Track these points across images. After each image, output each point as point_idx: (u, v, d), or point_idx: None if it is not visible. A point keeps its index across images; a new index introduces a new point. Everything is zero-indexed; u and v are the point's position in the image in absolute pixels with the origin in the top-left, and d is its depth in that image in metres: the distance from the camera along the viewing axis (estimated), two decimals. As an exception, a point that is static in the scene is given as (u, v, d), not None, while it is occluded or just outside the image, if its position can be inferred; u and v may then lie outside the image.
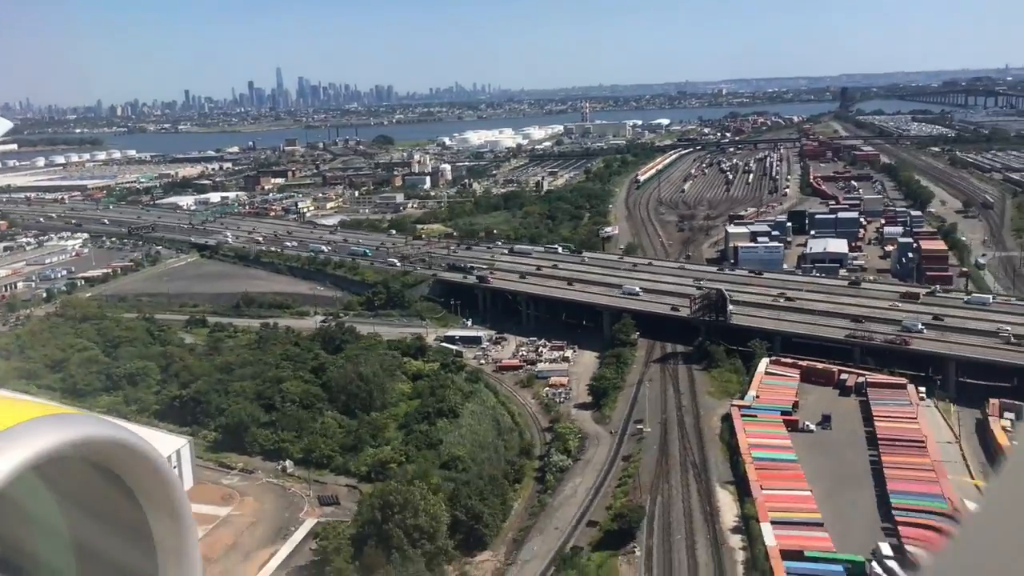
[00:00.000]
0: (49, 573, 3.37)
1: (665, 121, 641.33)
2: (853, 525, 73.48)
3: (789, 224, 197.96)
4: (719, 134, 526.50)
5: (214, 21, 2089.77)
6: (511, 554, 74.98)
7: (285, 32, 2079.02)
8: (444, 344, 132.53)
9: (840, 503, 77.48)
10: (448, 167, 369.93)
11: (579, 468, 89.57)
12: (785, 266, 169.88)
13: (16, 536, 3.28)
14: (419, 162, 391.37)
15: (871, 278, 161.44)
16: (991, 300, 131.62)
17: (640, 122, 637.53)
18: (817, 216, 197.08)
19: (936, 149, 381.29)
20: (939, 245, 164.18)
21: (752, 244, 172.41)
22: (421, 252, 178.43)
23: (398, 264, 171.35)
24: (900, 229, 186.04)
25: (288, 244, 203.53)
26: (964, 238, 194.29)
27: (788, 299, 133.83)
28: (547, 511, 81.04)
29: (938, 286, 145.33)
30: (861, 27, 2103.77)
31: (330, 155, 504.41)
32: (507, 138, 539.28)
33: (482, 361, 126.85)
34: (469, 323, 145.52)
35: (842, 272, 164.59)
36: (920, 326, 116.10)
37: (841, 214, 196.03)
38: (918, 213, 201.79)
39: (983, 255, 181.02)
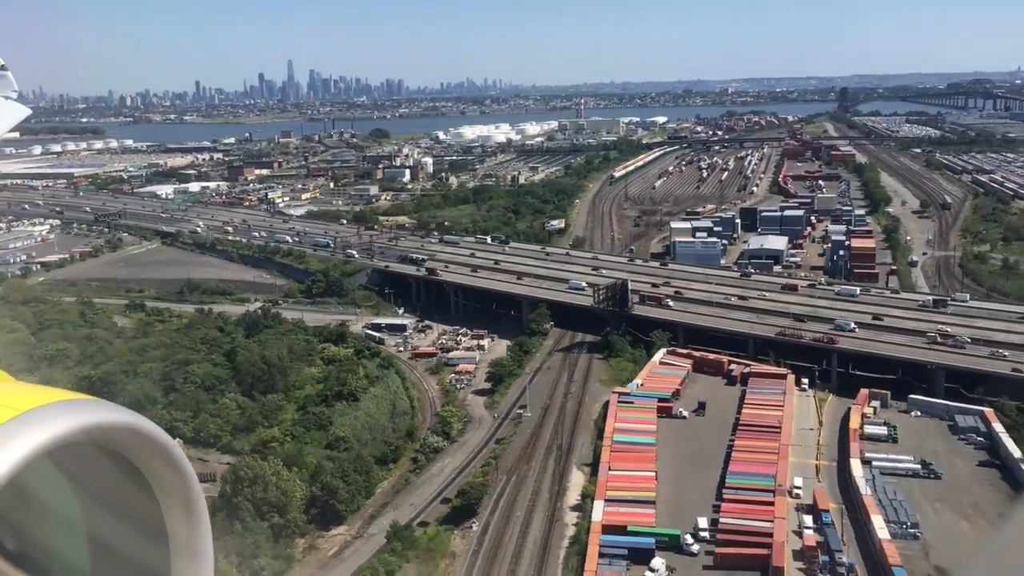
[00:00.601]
0: (62, 556, 3.39)
1: (662, 119, 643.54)
2: (689, 502, 76.97)
3: (738, 221, 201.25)
4: (711, 132, 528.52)
5: (227, 13, 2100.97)
6: (363, 528, 78.72)
7: (298, 25, 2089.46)
8: (368, 331, 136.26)
9: (686, 482, 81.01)
10: (430, 161, 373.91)
11: (453, 449, 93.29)
12: (723, 261, 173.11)
13: (31, 520, 3.30)
14: (402, 155, 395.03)
15: (802, 274, 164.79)
16: (858, 292, 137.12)
17: (637, 119, 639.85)
18: (764, 214, 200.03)
19: (918, 150, 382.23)
20: (868, 244, 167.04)
21: (690, 240, 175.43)
22: (363, 242, 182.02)
23: (356, 255, 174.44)
24: (842, 228, 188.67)
25: (255, 234, 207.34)
26: (909, 238, 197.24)
27: (676, 292, 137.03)
28: (409, 489, 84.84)
29: (860, 283, 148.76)
30: (876, 28, 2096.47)
31: (323, 147, 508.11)
32: (501, 133, 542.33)
33: (400, 348, 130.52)
34: (401, 311, 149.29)
35: (776, 268, 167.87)
36: (852, 325, 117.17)
37: (787, 212, 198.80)
38: (862, 212, 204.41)
39: (924, 253, 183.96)
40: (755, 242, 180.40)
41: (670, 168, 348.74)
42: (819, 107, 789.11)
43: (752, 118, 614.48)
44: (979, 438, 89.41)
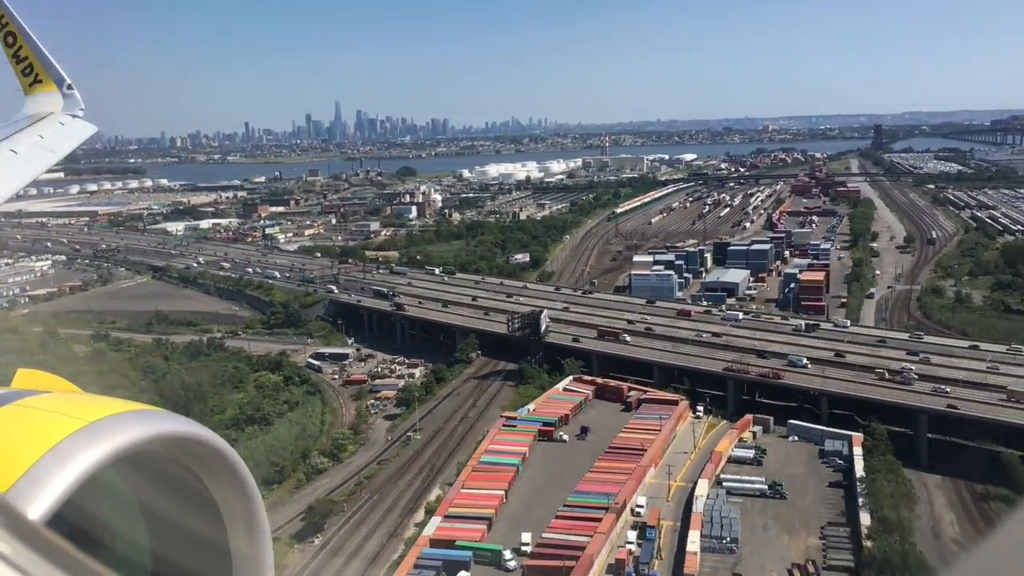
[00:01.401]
0: (126, 568, 3.35)
1: (690, 156, 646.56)
2: (530, 520, 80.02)
3: (708, 255, 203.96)
4: (733, 169, 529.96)
5: (277, 55, 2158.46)
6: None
7: (346, 67, 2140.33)
8: (311, 360, 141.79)
9: (537, 502, 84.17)
10: (439, 198, 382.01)
11: (336, 470, 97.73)
12: (680, 294, 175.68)
13: (96, 531, 3.26)
14: (414, 192, 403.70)
15: (754, 306, 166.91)
16: (740, 317, 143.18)
17: (666, 156, 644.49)
18: (731, 248, 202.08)
19: (931, 186, 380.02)
20: (816, 277, 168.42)
21: (646, 273, 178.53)
22: (327, 276, 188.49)
23: (335, 290, 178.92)
24: (806, 262, 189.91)
25: (249, 269, 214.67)
26: (879, 272, 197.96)
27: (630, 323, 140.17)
28: (280, 506, 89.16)
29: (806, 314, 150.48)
30: (929, 65, 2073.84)
31: (348, 185, 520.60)
32: (524, 171, 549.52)
33: (335, 376, 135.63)
34: (351, 341, 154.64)
35: (729, 300, 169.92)
36: (805, 360, 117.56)
37: (754, 247, 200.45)
38: (828, 247, 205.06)
39: (888, 287, 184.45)
40: (714, 275, 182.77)
41: (674, 204, 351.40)
42: (856, 144, 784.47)
43: (779, 155, 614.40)
44: (840, 461, 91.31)
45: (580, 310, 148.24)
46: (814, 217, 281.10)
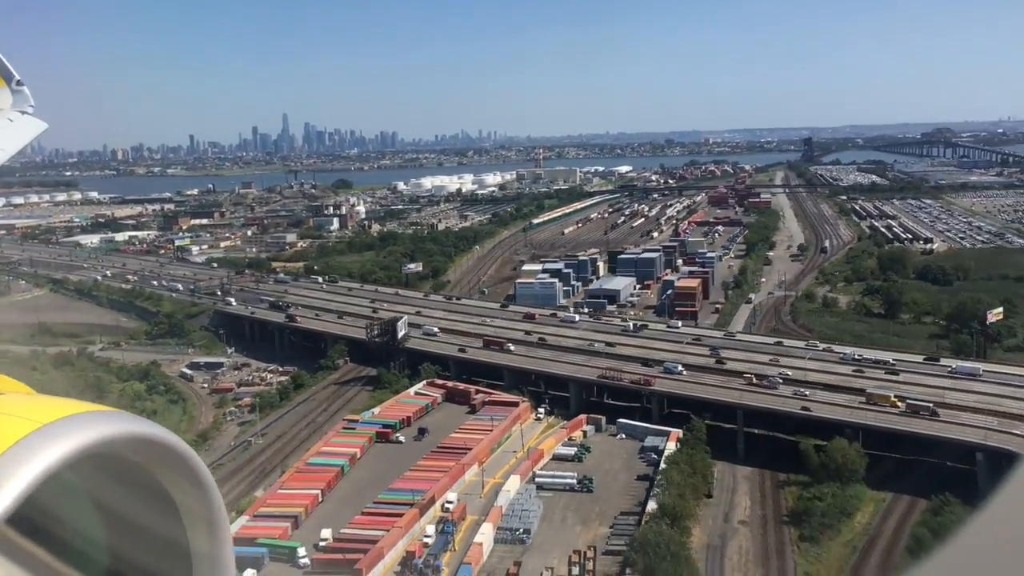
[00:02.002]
0: (82, 571, 3.32)
1: (625, 168, 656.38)
2: (342, 517, 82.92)
3: (601, 263, 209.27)
4: (663, 181, 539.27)
5: (225, 68, 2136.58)
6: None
7: (294, 79, 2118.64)
8: (184, 369, 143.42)
9: (356, 500, 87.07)
10: (362, 210, 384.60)
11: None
12: (564, 301, 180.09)
13: (51, 534, 3.24)
14: (339, 205, 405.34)
15: (631, 312, 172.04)
16: (576, 319, 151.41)
17: (603, 168, 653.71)
18: (621, 257, 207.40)
19: (844, 197, 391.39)
20: (690, 284, 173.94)
21: (530, 281, 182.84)
22: (210, 286, 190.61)
23: (233, 302, 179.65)
24: (704, 269, 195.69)
25: (154, 281, 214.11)
26: (764, 279, 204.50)
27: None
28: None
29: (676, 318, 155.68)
30: (872, 80, 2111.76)
31: (280, 197, 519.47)
32: (459, 183, 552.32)
33: (204, 385, 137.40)
34: (231, 351, 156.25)
35: (609, 307, 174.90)
36: (680, 368, 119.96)
37: (644, 255, 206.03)
38: (713, 255, 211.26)
39: (769, 293, 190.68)
40: (600, 283, 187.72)
41: (593, 215, 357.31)
42: (790, 156, 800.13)
43: (709, 167, 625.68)
44: (655, 456, 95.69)
45: (436, 315, 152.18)
46: (720, 227, 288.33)
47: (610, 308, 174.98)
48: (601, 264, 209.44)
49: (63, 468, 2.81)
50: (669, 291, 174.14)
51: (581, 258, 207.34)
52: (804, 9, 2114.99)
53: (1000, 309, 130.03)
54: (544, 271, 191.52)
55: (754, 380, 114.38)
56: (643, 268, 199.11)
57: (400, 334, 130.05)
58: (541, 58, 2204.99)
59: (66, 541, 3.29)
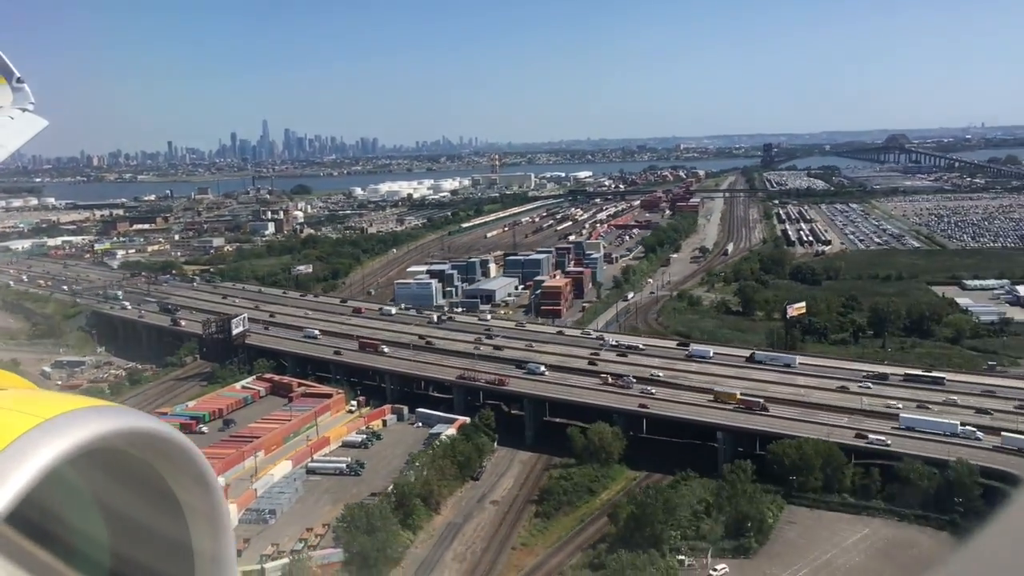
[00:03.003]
0: (84, 566, 3.28)
1: (584, 173, 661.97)
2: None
3: (492, 265, 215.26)
4: (615, 185, 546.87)
5: (205, 74, 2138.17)
6: None
7: (275, 85, 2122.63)
8: (46, 368, 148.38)
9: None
10: (300, 214, 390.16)
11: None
12: (441, 301, 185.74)
13: (53, 529, 3.22)
14: (286, 210, 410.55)
15: (502, 312, 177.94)
16: (393, 312, 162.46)
17: (563, 174, 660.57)
18: (509, 258, 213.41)
19: (776, 201, 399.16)
20: (556, 284, 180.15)
21: (407, 282, 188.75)
22: (97, 287, 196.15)
23: (128, 305, 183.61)
24: (580, 269, 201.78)
25: (64, 287, 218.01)
26: (651, 279, 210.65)
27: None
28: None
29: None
30: (852, 87, 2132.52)
31: (233, 203, 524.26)
32: (411, 188, 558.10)
33: (59, 382, 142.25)
34: (101, 350, 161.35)
35: (482, 307, 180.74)
36: (542, 368, 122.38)
37: (532, 257, 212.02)
38: (598, 255, 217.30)
39: (651, 292, 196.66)
40: (480, 284, 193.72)
41: (524, 219, 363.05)
42: (754, 162, 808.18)
43: (664, 173, 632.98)
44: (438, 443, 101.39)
45: (298, 312, 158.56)
46: (636, 230, 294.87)
47: (483, 307, 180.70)
48: (493, 266, 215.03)
49: (65, 464, 2.79)
50: (538, 290, 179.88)
51: (470, 260, 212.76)
52: (786, 19, 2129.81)
53: (802, 304, 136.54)
54: (428, 272, 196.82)
55: (610, 380, 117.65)
56: (529, 269, 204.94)
57: (236, 331, 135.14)
58: (524, 65, 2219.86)
59: (68, 537, 3.27)
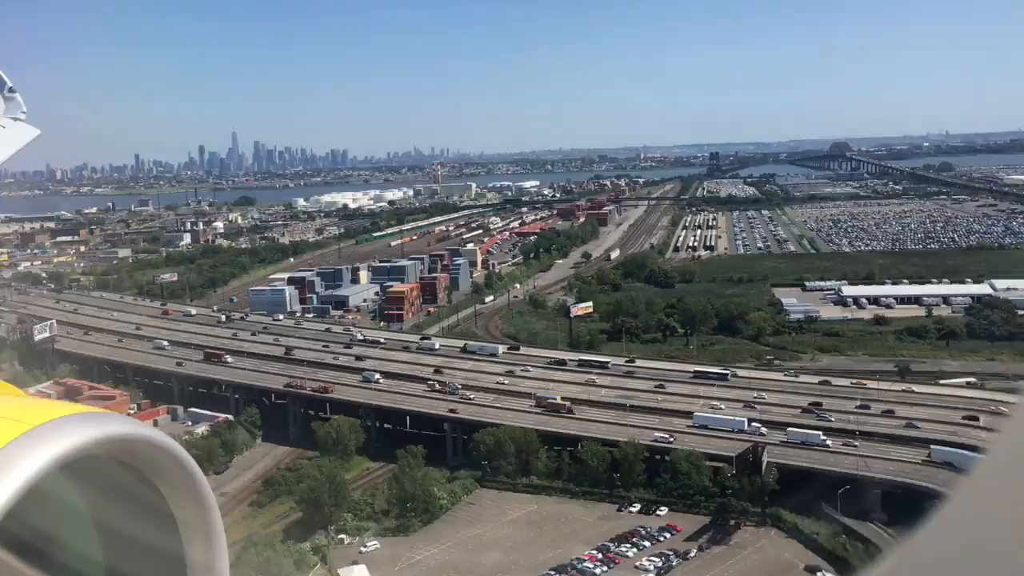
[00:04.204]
0: (78, 567, 3.25)
1: (531, 183, 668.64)
2: None
3: (364, 272, 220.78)
4: (553, 195, 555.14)
5: (172, 86, 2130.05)
6: None
7: (246, 97, 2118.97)
8: None
9: None
10: (220, 225, 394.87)
11: None
12: (296, 308, 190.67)
13: (44, 536, 3.17)
14: (220, 221, 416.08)
15: (351, 317, 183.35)
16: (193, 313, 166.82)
17: (510, 184, 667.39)
18: (373, 265, 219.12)
19: (694, 209, 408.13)
20: (400, 289, 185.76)
21: (262, 288, 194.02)
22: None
23: None
24: (435, 275, 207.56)
25: None
26: (518, 286, 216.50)
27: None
28: None
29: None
30: (819, 97, 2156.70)
31: (173, 215, 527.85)
32: (354, 199, 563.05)
33: None
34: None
35: (334, 312, 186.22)
36: (377, 376, 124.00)
37: (399, 263, 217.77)
38: (461, 261, 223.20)
39: (515, 297, 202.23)
40: (340, 290, 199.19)
41: (438, 229, 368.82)
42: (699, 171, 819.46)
43: (603, 182, 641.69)
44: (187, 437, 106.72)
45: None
46: (532, 236, 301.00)
47: (335, 312, 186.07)
48: (364, 273, 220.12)
49: (54, 471, 2.75)
50: (385, 295, 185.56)
51: (337, 268, 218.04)
52: (758, 26, 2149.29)
53: (588, 304, 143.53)
54: (289, 279, 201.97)
55: (437, 386, 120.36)
56: (395, 275, 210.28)
57: (39, 336, 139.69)
58: (497, 76, 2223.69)
59: (58, 545, 3.22)
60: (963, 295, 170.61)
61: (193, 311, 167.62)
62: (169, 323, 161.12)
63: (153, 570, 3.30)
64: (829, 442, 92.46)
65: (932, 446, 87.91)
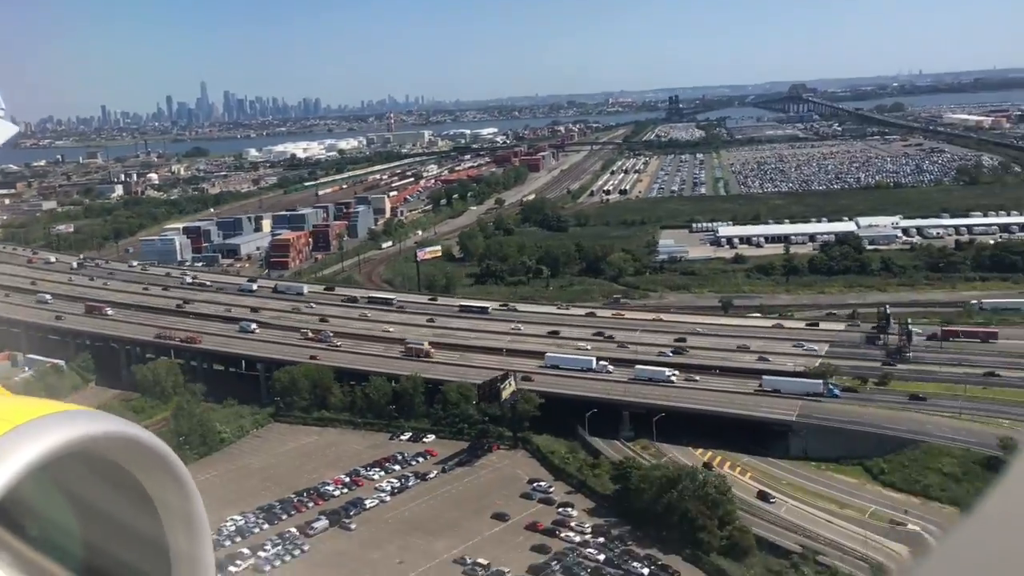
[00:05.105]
0: (60, 570, 3.22)
1: (489, 131, 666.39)
2: None
3: (267, 220, 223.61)
4: (505, 141, 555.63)
5: (141, 35, 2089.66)
6: None
7: (215, 46, 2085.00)
8: None
9: None
10: (155, 177, 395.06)
11: None
12: (187, 256, 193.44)
13: (28, 534, 3.17)
14: (161, 173, 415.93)
15: (243, 265, 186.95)
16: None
17: (467, 131, 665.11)
18: (276, 215, 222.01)
19: (634, 152, 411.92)
20: (286, 237, 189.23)
21: (152, 238, 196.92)
22: None
23: None
24: (328, 223, 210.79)
25: None
26: (420, 232, 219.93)
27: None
28: None
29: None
30: (802, 36, 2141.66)
31: (121, 167, 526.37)
32: (304, 149, 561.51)
33: None
34: None
35: (223, 260, 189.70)
36: (253, 326, 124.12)
37: (302, 211, 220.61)
38: (361, 208, 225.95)
39: (414, 243, 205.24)
40: (235, 239, 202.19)
41: (371, 178, 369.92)
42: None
43: (556, 128, 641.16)
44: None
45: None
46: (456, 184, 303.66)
47: (225, 261, 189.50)
48: (267, 221, 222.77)
49: (38, 469, 2.76)
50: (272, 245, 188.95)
51: (237, 217, 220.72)
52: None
53: (436, 248, 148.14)
54: (184, 229, 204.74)
55: (310, 334, 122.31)
56: (296, 223, 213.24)
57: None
58: (475, 21, 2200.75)
59: (43, 543, 3.23)
60: (829, 233, 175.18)
61: (53, 259, 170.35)
62: (30, 271, 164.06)
63: (138, 561, 3.36)
64: (674, 378, 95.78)
65: (763, 376, 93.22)
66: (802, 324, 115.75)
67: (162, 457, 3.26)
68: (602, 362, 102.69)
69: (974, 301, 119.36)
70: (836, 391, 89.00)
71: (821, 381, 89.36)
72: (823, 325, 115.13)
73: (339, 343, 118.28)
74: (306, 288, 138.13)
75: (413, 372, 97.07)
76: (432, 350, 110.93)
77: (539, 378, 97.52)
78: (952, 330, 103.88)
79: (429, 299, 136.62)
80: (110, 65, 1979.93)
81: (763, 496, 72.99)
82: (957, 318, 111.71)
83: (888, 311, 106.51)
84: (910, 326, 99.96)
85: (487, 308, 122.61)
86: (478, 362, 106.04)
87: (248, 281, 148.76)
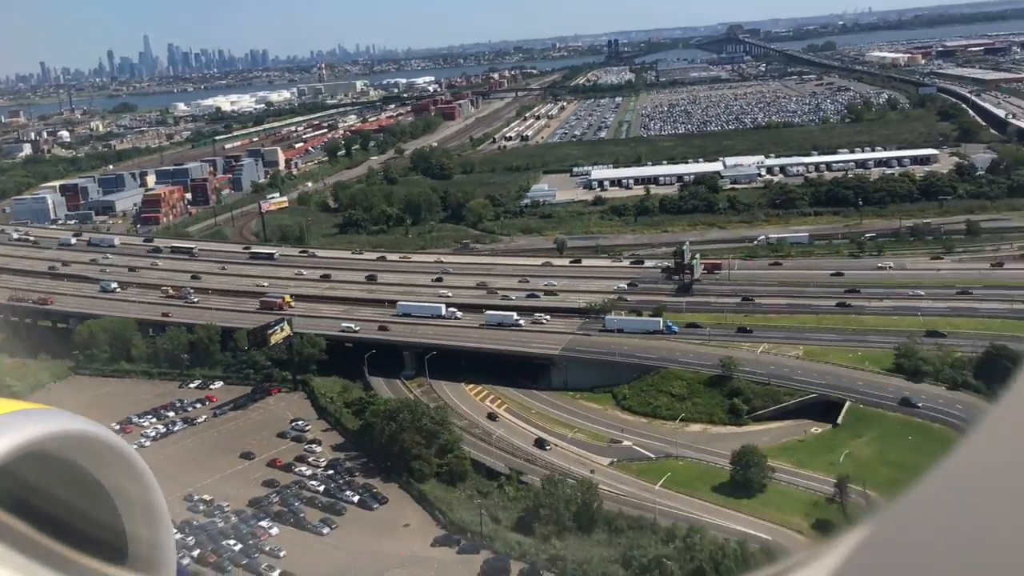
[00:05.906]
0: (24, 564, 3.08)
1: (425, 79, 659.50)
2: None
3: (152, 176, 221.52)
4: (437, 89, 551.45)
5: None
6: None
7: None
8: None
9: None
10: (66, 134, 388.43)
11: None
12: (60, 215, 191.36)
13: None
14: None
15: (118, 221, 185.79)
16: None
17: (404, 80, 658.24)
18: (160, 169, 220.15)
19: (555, 98, 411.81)
20: (157, 192, 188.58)
21: (24, 197, 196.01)
22: None
23: None
24: (205, 177, 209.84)
25: None
26: (309, 184, 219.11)
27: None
28: None
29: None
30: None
31: (43, 126, 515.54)
32: (232, 102, 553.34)
33: None
34: None
35: (98, 217, 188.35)
36: (114, 285, 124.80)
37: (184, 166, 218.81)
38: (247, 161, 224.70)
39: (302, 194, 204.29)
40: (109, 197, 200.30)
41: (284, 131, 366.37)
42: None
43: (490, 75, 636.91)
44: None
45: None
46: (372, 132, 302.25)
47: (99, 218, 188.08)
48: (152, 177, 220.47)
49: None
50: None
51: (118, 173, 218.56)
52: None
53: (283, 199, 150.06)
54: (62, 188, 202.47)
55: (171, 292, 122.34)
56: (179, 178, 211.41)
57: None
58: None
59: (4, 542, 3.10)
60: (694, 174, 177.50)
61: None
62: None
63: (99, 553, 3.34)
64: (522, 322, 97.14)
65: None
66: (627, 262, 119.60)
67: (118, 452, 3.25)
68: (451, 309, 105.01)
69: (761, 237, 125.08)
70: (675, 328, 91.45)
71: (659, 319, 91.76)
72: (648, 264, 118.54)
73: (196, 299, 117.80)
74: (117, 240, 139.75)
75: (209, 322, 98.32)
76: (291, 302, 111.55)
77: (395, 327, 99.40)
78: (713, 263, 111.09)
79: (300, 252, 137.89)
80: (50, 19, 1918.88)
81: (492, 417, 79.07)
82: (756, 252, 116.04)
83: (686, 248, 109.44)
84: (693, 261, 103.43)
85: (273, 254, 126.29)
86: (329, 313, 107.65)
87: (73, 236, 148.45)
